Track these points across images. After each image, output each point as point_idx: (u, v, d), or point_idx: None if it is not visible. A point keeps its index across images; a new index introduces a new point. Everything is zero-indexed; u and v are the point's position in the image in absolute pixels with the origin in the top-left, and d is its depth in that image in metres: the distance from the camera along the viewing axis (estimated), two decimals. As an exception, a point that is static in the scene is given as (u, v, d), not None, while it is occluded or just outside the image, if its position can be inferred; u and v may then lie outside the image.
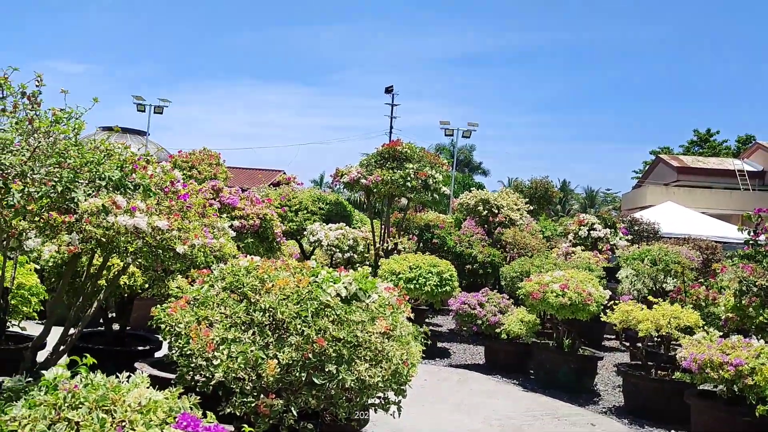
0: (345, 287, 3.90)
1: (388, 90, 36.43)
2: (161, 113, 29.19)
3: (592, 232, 13.38)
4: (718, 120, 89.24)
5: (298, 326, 3.65)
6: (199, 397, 2.87)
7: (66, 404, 2.48)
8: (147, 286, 6.83)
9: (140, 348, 6.77)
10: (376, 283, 4.12)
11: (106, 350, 6.44)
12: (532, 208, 16.66)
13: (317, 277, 4.03)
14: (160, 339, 7.03)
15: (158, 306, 6.42)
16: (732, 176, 33.84)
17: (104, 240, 4.25)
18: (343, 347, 3.60)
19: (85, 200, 3.91)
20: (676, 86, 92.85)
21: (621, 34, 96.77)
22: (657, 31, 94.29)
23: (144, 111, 29.39)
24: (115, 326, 7.31)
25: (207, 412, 2.81)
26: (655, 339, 8.63)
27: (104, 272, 5.73)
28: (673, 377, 7.72)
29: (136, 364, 5.62)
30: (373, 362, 3.66)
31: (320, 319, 3.71)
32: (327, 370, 3.53)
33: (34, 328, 6.65)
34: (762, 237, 6.50)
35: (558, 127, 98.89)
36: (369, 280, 4.06)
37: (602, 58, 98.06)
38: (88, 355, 2.88)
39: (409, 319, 4.17)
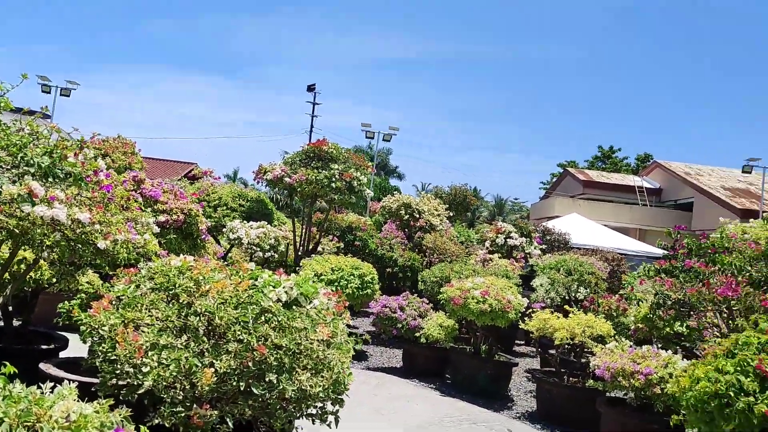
0: (286, 292, 3.73)
1: (310, 88, 36.10)
2: (68, 96, 27.50)
3: (508, 240, 13.72)
4: (620, 138, 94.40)
5: (238, 332, 3.45)
6: (130, 410, 2.63)
7: (-19, 419, 2.19)
8: (54, 280, 6.36)
9: (44, 347, 6.27)
10: (318, 288, 3.98)
11: (7, 349, 5.91)
12: (451, 214, 16.91)
13: (257, 280, 3.84)
14: (66, 337, 6.58)
15: (66, 302, 5.98)
16: (632, 192, 35.83)
17: (17, 231, 3.88)
18: (284, 355, 3.43)
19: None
20: (584, 103, 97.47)
21: (537, 52, 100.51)
22: (570, 50, 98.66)
23: (49, 92, 27.61)
24: (16, 322, 6.75)
25: (139, 426, 2.59)
26: (566, 347, 8.91)
27: (12, 266, 5.25)
28: (586, 384, 8.00)
29: (41, 365, 5.19)
30: (314, 371, 3.52)
31: (261, 326, 3.52)
32: (267, 379, 3.36)
33: None
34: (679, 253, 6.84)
35: (470, 135, 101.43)
36: (311, 284, 3.92)
37: (518, 73, 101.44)
38: (8, 364, 2.58)
39: (348, 325, 4.05)
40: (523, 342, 12.97)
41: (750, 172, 31.90)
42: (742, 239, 6.38)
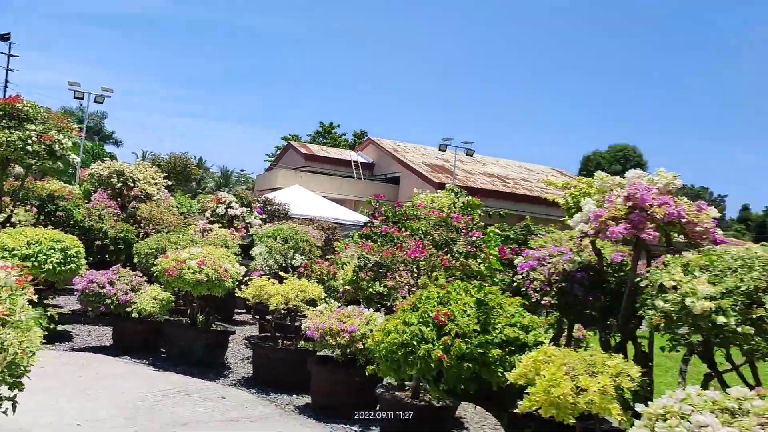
0: (-53, 267, 3.24)
1: (4, 38, 31.29)
2: None
3: (229, 210, 13.65)
4: (340, 114, 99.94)
5: None
6: None
7: None
8: None
9: None
10: (-9, 262, 3.52)
11: None
12: (170, 183, 16.22)
13: None
14: None
15: None
16: (349, 166, 38.28)
17: None
18: (-58, 339, 2.99)
19: None
20: (307, 78, 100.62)
21: (261, 22, 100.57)
22: (295, 25, 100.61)
23: None
24: None
25: None
26: (282, 311, 9.24)
27: None
28: (298, 346, 8.39)
29: None
30: (-16, 354, 3.13)
31: None
32: None
33: None
34: (377, 221, 7.50)
35: (197, 104, 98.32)
36: (-19, 258, 3.45)
37: (243, 43, 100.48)
38: None
39: (30, 302, 3.67)
40: (243, 310, 13.11)
41: (445, 150, 36.26)
42: (430, 207, 7.24)
